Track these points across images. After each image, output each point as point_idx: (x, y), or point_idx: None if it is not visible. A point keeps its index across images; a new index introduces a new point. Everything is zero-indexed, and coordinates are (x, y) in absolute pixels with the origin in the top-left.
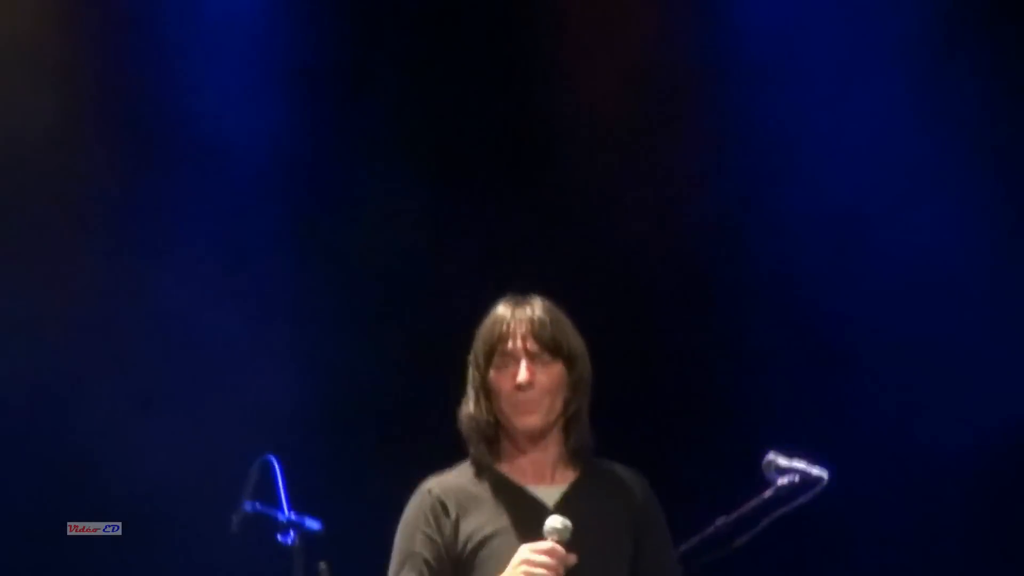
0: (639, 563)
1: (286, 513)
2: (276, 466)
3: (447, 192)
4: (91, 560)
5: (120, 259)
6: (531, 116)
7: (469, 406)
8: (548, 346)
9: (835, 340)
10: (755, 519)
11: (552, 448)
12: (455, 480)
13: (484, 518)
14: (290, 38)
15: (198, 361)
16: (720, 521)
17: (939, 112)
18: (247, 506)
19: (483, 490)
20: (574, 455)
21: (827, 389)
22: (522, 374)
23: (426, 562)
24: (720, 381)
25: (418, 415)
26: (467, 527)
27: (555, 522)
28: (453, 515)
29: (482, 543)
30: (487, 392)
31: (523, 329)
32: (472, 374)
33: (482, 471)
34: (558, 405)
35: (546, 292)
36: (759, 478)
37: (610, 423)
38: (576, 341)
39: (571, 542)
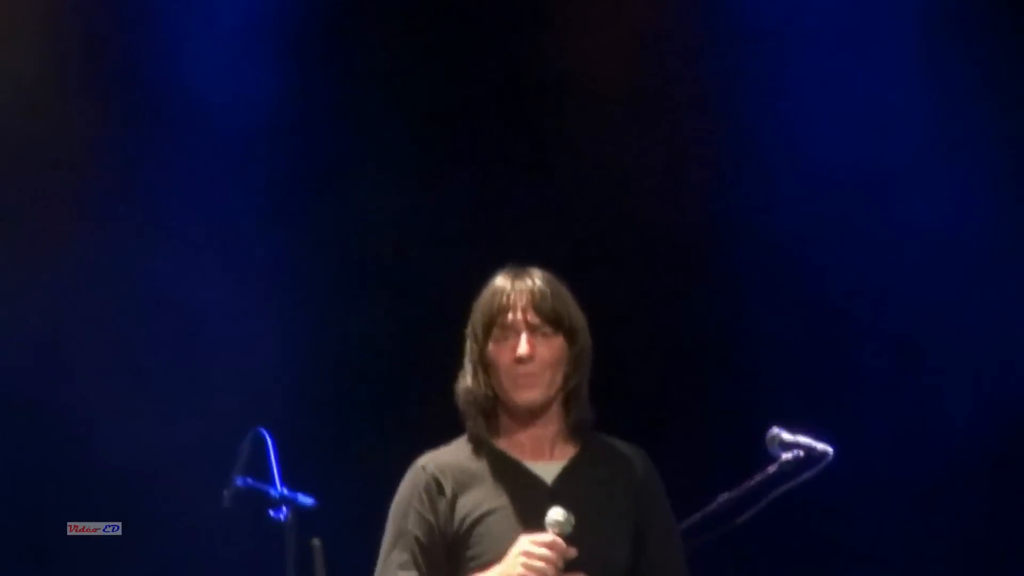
0: (641, 541)
1: (278, 488)
2: (268, 440)
3: (443, 158)
4: (91, 560)
5: (107, 230)
6: (528, 79)
7: (467, 380)
8: (549, 318)
9: (840, 313)
10: (758, 495)
11: (551, 423)
12: (451, 457)
13: (481, 495)
14: None
15: (188, 333)
16: (723, 497)
17: (948, 80)
18: (239, 481)
19: (480, 466)
20: (573, 431)
21: (832, 363)
22: (522, 347)
23: (418, 541)
24: (723, 354)
25: (414, 389)
26: (464, 504)
27: (557, 515)
28: (449, 493)
29: (479, 520)
30: (485, 366)
31: (524, 301)
32: (470, 347)
33: (479, 447)
34: (558, 379)
35: (544, 262)
36: (763, 453)
37: (610, 398)
38: (577, 314)
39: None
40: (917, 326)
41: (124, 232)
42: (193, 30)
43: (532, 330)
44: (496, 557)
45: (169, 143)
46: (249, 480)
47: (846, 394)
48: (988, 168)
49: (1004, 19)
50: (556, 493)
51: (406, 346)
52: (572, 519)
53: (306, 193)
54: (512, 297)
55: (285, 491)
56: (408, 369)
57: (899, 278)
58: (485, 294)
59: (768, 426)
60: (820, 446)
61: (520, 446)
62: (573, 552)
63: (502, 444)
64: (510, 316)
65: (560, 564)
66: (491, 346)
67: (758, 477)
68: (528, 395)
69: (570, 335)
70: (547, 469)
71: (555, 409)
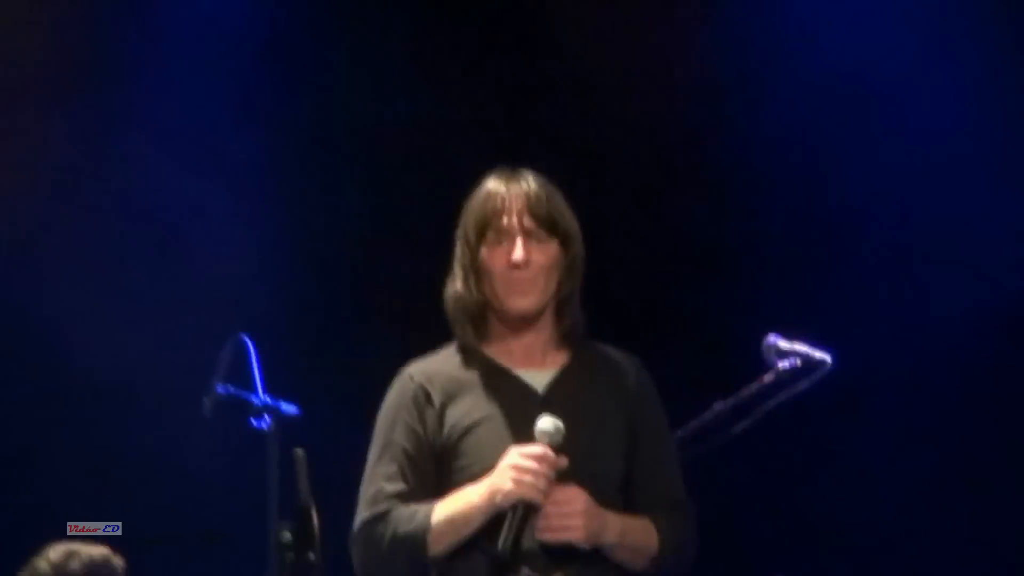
0: (634, 448)
1: (261, 397)
2: (250, 347)
3: (432, 60)
4: None
5: (83, 123)
6: None
7: (456, 285)
8: (545, 223)
9: (836, 220)
10: (754, 404)
11: (543, 331)
12: (439, 365)
13: (470, 404)
14: None
15: (167, 235)
16: (718, 406)
17: None
18: (219, 389)
19: (469, 375)
20: (565, 338)
21: (828, 269)
22: (518, 252)
23: (406, 452)
24: (717, 261)
25: (400, 293)
26: (453, 414)
27: (546, 424)
28: (437, 403)
29: (468, 430)
30: (477, 271)
31: (519, 204)
32: (460, 251)
33: (468, 355)
34: (552, 286)
35: (532, 166)
36: (759, 361)
37: (603, 305)
38: (571, 218)
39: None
40: (912, 231)
41: (100, 123)
42: None
43: (527, 235)
44: (486, 468)
45: (142, 41)
46: (230, 388)
47: (842, 301)
48: (985, 71)
49: None
50: (547, 401)
51: (391, 250)
52: (563, 428)
53: (294, 92)
54: (507, 200)
55: (267, 399)
56: (393, 274)
57: (895, 182)
58: (477, 196)
59: (764, 334)
60: (818, 354)
61: (510, 354)
62: (564, 462)
63: (492, 352)
64: (505, 220)
65: (551, 476)
66: (484, 250)
67: (754, 386)
68: (522, 302)
69: (564, 240)
70: (538, 377)
71: (547, 316)
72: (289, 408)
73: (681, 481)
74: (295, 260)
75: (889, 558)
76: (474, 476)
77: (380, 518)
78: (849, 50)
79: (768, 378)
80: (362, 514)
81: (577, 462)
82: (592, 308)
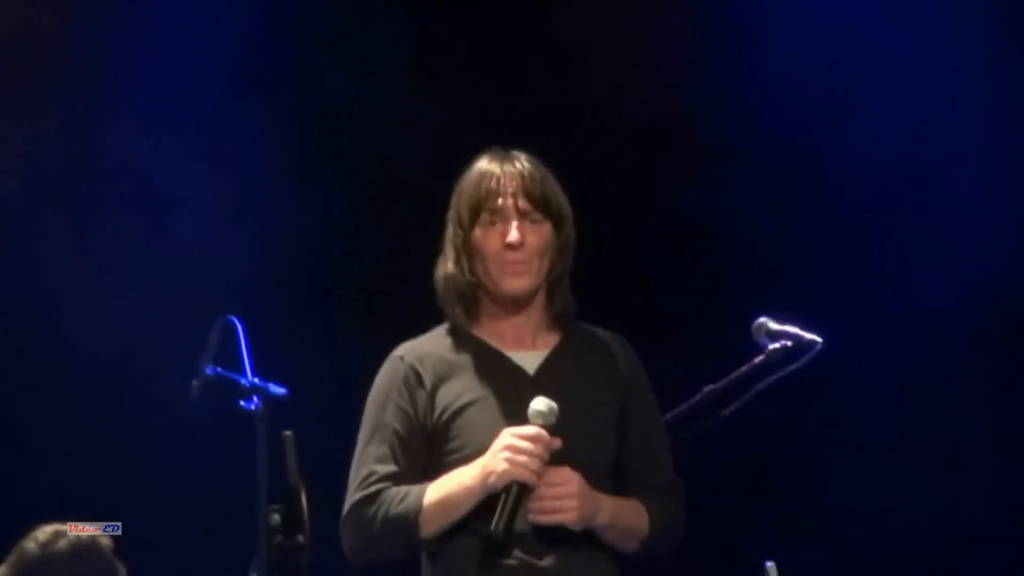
0: (624, 432)
1: (249, 378)
2: (239, 328)
3: (422, 46)
4: None
5: (72, 107)
6: None
7: (448, 266)
8: (539, 204)
9: (828, 200)
10: (745, 386)
11: (535, 313)
12: (430, 347)
13: (462, 386)
14: None
15: (152, 215)
16: (708, 388)
17: None
18: (208, 370)
19: (460, 356)
20: (556, 320)
21: (819, 250)
22: (513, 234)
23: (397, 434)
24: (708, 241)
25: (390, 275)
26: (444, 396)
27: (540, 405)
28: (428, 385)
29: (460, 411)
30: (470, 252)
31: (513, 185)
32: (453, 232)
33: (459, 336)
34: (545, 267)
35: (524, 147)
36: (749, 343)
37: (593, 286)
38: (564, 200)
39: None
40: (903, 215)
41: (80, 99)
42: None
43: (522, 216)
44: (478, 449)
45: (134, 24)
46: (219, 369)
47: (832, 285)
48: (978, 57)
49: None
50: (539, 383)
51: (381, 231)
52: (556, 409)
53: (280, 65)
54: (502, 181)
55: (256, 381)
56: (383, 255)
57: (887, 163)
58: (470, 177)
59: (755, 315)
60: (809, 335)
61: (501, 335)
62: (558, 443)
63: (483, 333)
64: (499, 201)
65: (545, 457)
66: (477, 231)
67: (744, 368)
68: (516, 283)
69: (558, 222)
70: (529, 359)
71: (539, 298)
72: (278, 389)
73: (671, 462)
74: (284, 241)
75: (880, 542)
76: (466, 459)
77: (371, 499)
78: (839, 34)
79: (759, 360)
80: (353, 496)
81: (568, 444)
82: (582, 291)
